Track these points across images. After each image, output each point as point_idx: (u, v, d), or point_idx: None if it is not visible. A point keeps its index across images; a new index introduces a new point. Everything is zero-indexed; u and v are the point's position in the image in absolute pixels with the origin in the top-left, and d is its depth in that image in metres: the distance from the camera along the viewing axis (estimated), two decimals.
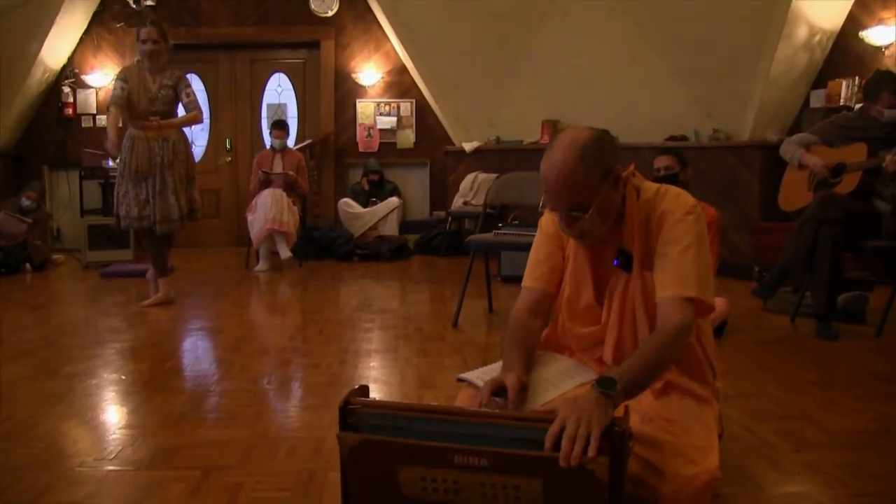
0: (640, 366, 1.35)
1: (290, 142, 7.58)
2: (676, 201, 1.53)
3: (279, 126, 6.28)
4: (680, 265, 1.46)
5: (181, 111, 4.34)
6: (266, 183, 6.06)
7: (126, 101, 4.11)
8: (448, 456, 1.20)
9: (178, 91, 4.23)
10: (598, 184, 1.46)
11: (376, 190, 7.22)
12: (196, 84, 7.47)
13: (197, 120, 4.32)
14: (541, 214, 1.69)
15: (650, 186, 1.58)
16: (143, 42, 4.14)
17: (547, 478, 1.16)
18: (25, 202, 6.17)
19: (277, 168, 6.15)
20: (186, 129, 4.47)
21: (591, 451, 1.12)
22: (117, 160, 4.24)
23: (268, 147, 6.47)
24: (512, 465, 1.18)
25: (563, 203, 1.49)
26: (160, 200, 4.14)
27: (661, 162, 3.48)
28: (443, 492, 1.22)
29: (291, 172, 6.11)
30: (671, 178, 3.34)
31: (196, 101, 4.27)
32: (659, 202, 1.54)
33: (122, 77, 4.14)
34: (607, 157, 1.48)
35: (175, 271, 4.56)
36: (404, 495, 1.24)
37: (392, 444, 1.23)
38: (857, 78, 5.42)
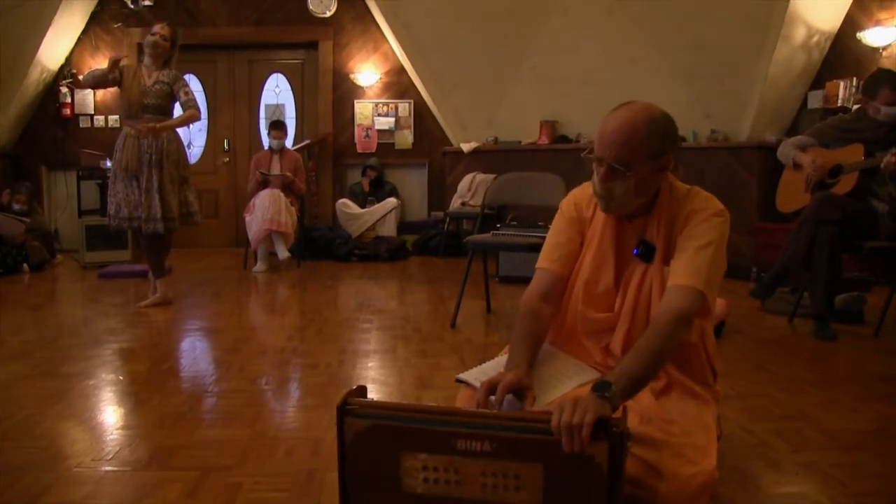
0: (638, 361, 1.35)
1: (289, 142, 7.59)
2: (707, 202, 1.56)
3: (277, 126, 6.27)
4: (695, 259, 1.48)
5: (177, 111, 4.32)
6: (264, 184, 6.06)
7: (119, 87, 4.15)
8: (451, 441, 1.20)
9: (176, 89, 4.21)
10: (650, 155, 1.49)
11: (375, 190, 7.22)
12: (194, 84, 7.48)
13: (194, 118, 4.27)
14: (586, 156, 1.61)
15: (682, 186, 1.61)
16: (153, 34, 4.19)
17: (547, 463, 1.17)
18: (16, 206, 6.16)
19: (275, 169, 6.15)
20: (183, 131, 4.45)
21: (584, 436, 1.14)
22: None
23: (266, 147, 6.47)
24: (514, 450, 1.18)
25: (612, 152, 1.50)
26: (147, 199, 4.13)
27: None
28: (443, 482, 1.22)
29: (289, 174, 6.11)
30: None
31: (193, 100, 4.24)
32: (689, 202, 1.56)
33: (119, 68, 4.17)
34: (669, 140, 1.52)
35: (173, 272, 4.56)
36: (403, 490, 1.24)
37: (397, 429, 1.24)
38: (854, 79, 5.43)
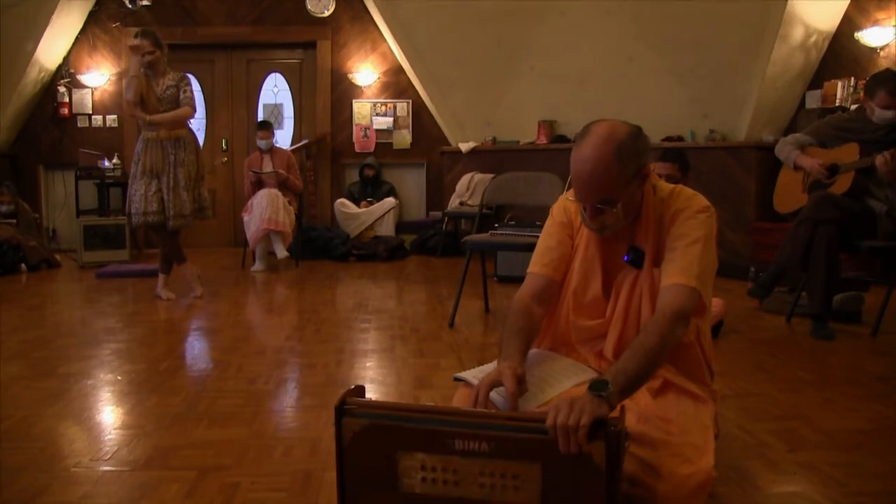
0: (636, 360, 1.34)
1: (285, 142, 7.59)
2: (691, 200, 1.56)
3: (263, 126, 6.29)
4: (685, 257, 1.48)
5: None
6: (258, 184, 6.06)
7: (141, 100, 4.34)
8: (449, 441, 1.20)
9: (180, 90, 4.41)
10: (629, 181, 1.48)
11: (372, 189, 7.22)
12: (192, 84, 7.45)
13: (186, 115, 4.45)
14: (569, 199, 1.66)
15: (665, 186, 1.60)
16: (142, 56, 4.34)
17: (545, 463, 1.17)
18: (2, 207, 6.13)
19: (267, 168, 6.15)
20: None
21: (581, 438, 1.14)
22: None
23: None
24: (512, 450, 1.18)
25: (591, 196, 1.49)
26: (174, 196, 4.34)
27: (662, 170, 3.33)
28: (441, 482, 1.22)
29: (282, 171, 6.11)
30: None
31: (190, 98, 4.43)
32: (674, 201, 1.56)
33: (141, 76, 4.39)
34: (641, 155, 1.49)
35: (172, 273, 4.63)
36: (402, 490, 1.24)
37: (395, 428, 1.24)
38: (852, 79, 5.43)
